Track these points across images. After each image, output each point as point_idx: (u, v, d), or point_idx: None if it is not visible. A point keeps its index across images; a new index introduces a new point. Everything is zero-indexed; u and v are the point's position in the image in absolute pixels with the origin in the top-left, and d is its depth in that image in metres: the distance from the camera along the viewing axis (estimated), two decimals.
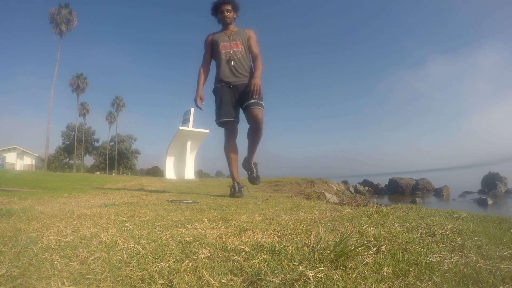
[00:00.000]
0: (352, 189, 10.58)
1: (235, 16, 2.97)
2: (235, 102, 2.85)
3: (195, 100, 2.87)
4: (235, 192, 2.82)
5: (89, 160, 53.34)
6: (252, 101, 2.75)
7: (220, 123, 2.87)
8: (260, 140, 2.92)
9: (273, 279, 0.71)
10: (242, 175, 3.05)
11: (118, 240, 0.99)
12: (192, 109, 13.51)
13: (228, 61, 2.86)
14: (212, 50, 2.99)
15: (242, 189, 2.86)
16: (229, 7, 2.90)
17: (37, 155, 40.65)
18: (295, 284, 0.70)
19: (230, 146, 2.92)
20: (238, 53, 2.88)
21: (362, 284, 0.71)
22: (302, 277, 0.72)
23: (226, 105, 2.83)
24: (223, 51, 2.88)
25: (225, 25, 2.96)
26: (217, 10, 2.93)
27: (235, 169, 2.98)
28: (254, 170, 3.03)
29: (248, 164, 3.05)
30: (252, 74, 2.90)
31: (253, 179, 3.03)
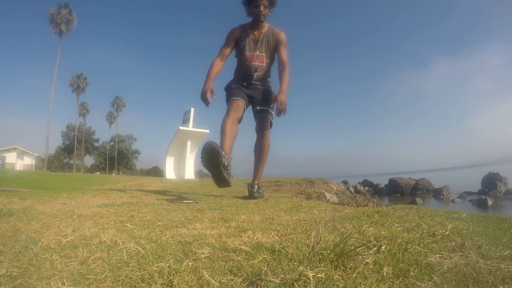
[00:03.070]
0: (352, 189, 10.58)
1: (269, 13, 2.66)
2: (248, 96, 2.73)
3: (204, 92, 2.46)
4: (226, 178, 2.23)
5: (89, 160, 53.47)
6: (266, 108, 2.69)
7: (229, 101, 2.64)
8: (265, 156, 2.76)
9: (273, 279, 0.71)
10: (245, 175, 2.95)
11: (118, 240, 0.99)
12: (192, 109, 13.49)
13: (251, 73, 2.74)
14: (234, 47, 2.76)
15: (231, 176, 2.43)
16: (266, 3, 2.56)
17: (37, 155, 40.71)
18: (295, 284, 0.70)
19: (228, 120, 2.46)
20: (260, 68, 2.74)
21: (362, 284, 0.71)
22: (302, 277, 0.72)
23: (239, 92, 2.69)
24: (247, 63, 2.72)
25: (257, 21, 2.65)
26: (252, 2, 2.56)
27: (228, 140, 2.36)
28: (256, 187, 2.67)
29: (251, 185, 2.70)
30: (267, 84, 2.80)
31: (253, 193, 2.62)
